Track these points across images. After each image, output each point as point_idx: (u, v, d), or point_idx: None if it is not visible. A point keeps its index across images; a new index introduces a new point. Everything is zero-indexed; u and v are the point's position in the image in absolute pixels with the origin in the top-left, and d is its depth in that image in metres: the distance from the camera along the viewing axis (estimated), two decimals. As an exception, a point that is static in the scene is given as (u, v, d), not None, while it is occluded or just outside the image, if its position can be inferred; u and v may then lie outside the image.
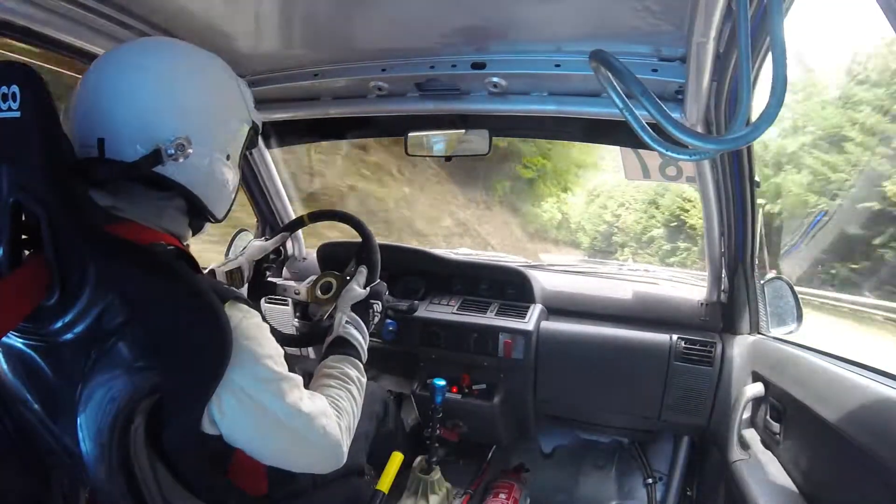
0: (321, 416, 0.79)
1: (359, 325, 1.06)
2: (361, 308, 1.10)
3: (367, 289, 1.14)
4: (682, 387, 1.46)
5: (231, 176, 0.87)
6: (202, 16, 1.10)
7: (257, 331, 0.74)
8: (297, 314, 1.27)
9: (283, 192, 1.88)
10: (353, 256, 1.24)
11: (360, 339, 1.04)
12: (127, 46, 0.81)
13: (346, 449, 0.83)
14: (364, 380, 0.98)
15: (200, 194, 0.81)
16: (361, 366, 1.00)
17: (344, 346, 1.01)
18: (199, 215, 0.86)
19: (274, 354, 0.75)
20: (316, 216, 1.35)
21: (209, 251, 1.99)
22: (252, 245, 1.28)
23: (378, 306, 1.15)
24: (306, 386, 0.83)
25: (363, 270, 1.18)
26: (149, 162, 0.74)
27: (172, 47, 0.83)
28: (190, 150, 0.76)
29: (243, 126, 0.88)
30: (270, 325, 0.81)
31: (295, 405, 0.75)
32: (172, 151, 0.75)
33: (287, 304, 1.76)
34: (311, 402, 0.78)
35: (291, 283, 1.28)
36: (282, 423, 0.74)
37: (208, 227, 0.92)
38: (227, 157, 0.85)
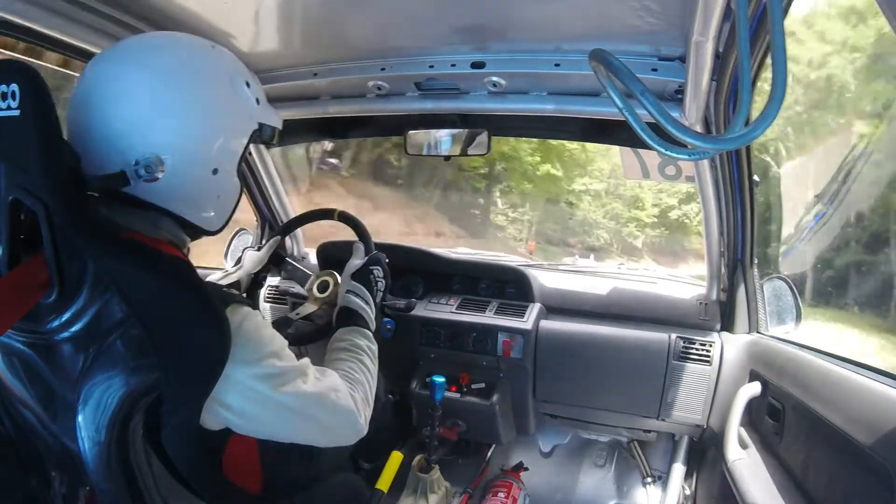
0: (330, 392, 0.81)
1: (361, 291, 1.07)
2: (361, 277, 1.11)
3: (365, 258, 1.15)
4: (681, 386, 1.46)
5: (223, 188, 0.82)
6: (201, 14, 1.10)
7: (258, 331, 0.74)
8: (296, 312, 1.28)
9: (282, 191, 1.87)
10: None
11: (364, 306, 1.05)
12: (105, 52, 0.76)
13: (364, 419, 0.86)
14: (375, 347, 1.01)
15: (182, 212, 0.77)
16: (370, 333, 1.02)
17: (350, 317, 1.03)
18: (190, 227, 0.81)
19: (277, 349, 0.76)
20: (302, 218, 1.37)
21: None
22: (249, 256, 1.30)
23: (378, 271, 1.15)
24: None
25: (359, 246, 1.18)
26: (115, 182, 0.70)
27: (149, 50, 0.75)
28: (162, 169, 0.71)
29: (240, 132, 0.82)
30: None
31: (302, 391, 0.76)
32: (141, 173, 0.70)
33: (286, 304, 1.76)
34: (319, 381, 0.80)
35: (290, 283, 1.29)
36: (292, 410, 0.76)
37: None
38: (215, 172, 0.78)
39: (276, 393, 0.73)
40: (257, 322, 0.75)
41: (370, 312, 1.06)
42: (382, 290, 1.15)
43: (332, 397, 0.81)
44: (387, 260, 1.18)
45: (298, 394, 0.76)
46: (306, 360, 0.81)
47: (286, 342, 0.79)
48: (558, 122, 1.39)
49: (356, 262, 1.14)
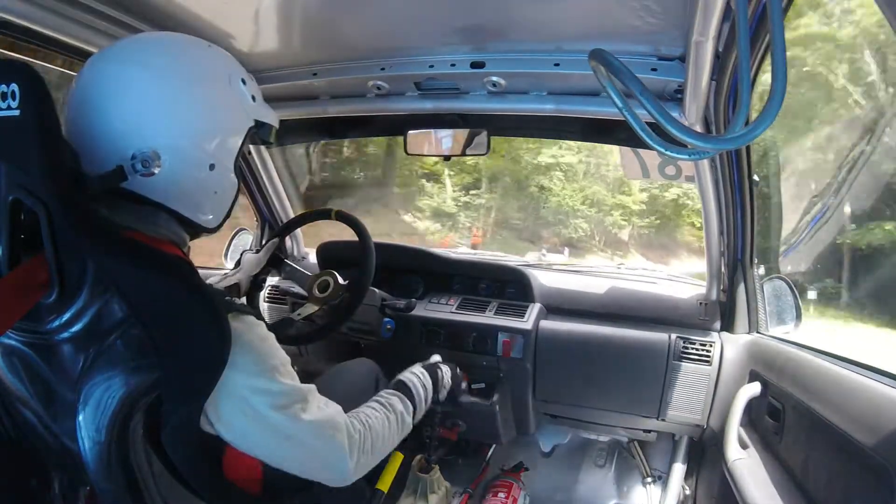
0: (326, 426, 0.78)
1: (424, 378, 1.09)
2: (430, 370, 1.14)
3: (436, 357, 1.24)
4: (681, 386, 1.46)
5: (220, 184, 0.81)
6: (200, 14, 1.10)
7: (261, 343, 0.73)
8: (297, 313, 1.28)
9: (282, 191, 1.87)
10: (354, 256, 1.25)
11: (420, 390, 1.05)
12: (103, 51, 0.76)
13: (354, 464, 0.81)
14: (409, 420, 0.98)
15: (179, 209, 0.77)
16: (412, 408, 1.00)
17: (399, 387, 1.03)
18: (188, 225, 0.81)
19: (278, 364, 0.74)
20: (300, 219, 1.37)
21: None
22: (248, 259, 1.30)
23: (447, 374, 1.20)
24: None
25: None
26: (113, 178, 0.70)
27: (147, 49, 0.76)
28: (159, 164, 0.72)
29: (238, 129, 0.82)
30: (269, 325, 0.81)
31: (296, 415, 0.74)
32: (138, 167, 0.70)
33: (286, 304, 1.76)
34: (318, 411, 0.78)
35: (291, 283, 1.29)
36: (282, 433, 0.73)
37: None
38: (212, 167, 0.78)
39: (272, 413, 0.72)
40: (260, 333, 0.74)
41: (422, 397, 1.05)
42: (447, 388, 1.20)
43: (327, 431, 0.78)
44: (458, 373, 1.28)
45: (295, 420, 0.73)
46: (312, 387, 0.79)
47: (289, 360, 0.77)
48: (558, 122, 1.39)
49: (435, 357, 1.23)
